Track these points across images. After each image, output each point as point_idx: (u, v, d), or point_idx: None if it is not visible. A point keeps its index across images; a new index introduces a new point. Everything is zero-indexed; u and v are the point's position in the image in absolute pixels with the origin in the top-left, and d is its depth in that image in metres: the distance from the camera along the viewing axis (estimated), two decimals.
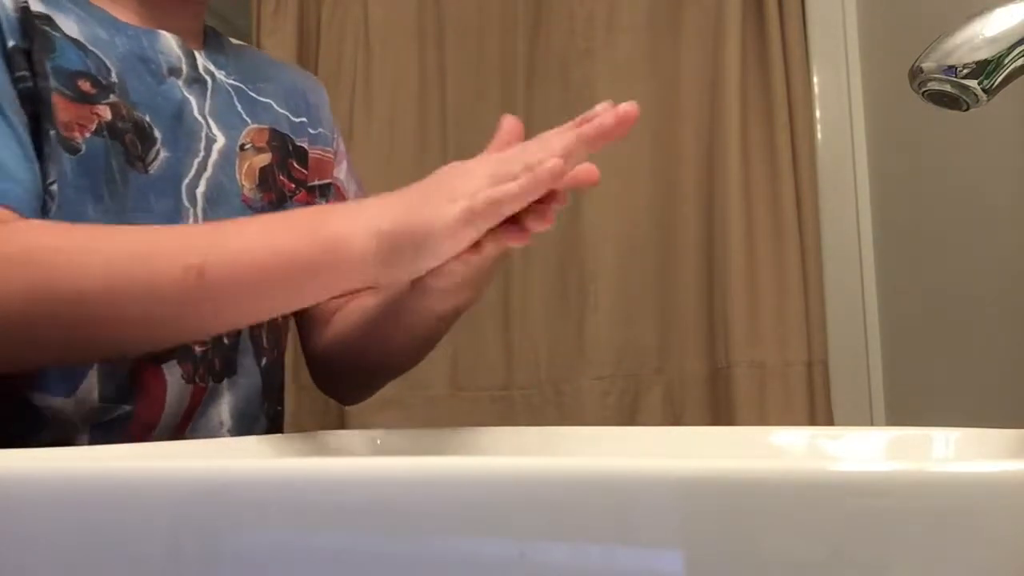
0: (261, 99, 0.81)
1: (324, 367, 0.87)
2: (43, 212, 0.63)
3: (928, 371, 1.24)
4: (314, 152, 0.84)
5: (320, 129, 0.86)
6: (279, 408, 0.81)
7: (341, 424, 1.51)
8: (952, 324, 1.15)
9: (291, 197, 0.80)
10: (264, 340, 0.77)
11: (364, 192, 0.91)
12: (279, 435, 0.64)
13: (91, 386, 0.65)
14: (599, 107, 0.57)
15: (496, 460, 0.30)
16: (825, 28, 1.47)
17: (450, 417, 1.51)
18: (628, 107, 0.56)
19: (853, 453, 0.56)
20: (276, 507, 0.30)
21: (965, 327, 1.11)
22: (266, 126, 0.79)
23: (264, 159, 0.78)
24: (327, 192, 0.86)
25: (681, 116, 1.50)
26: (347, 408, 1.52)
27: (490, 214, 0.54)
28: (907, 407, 1.32)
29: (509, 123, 0.63)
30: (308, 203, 0.82)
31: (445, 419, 1.50)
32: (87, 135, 0.65)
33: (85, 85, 0.66)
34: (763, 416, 1.36)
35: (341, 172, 0.88)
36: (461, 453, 0.63)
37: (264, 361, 0.77)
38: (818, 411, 1.37)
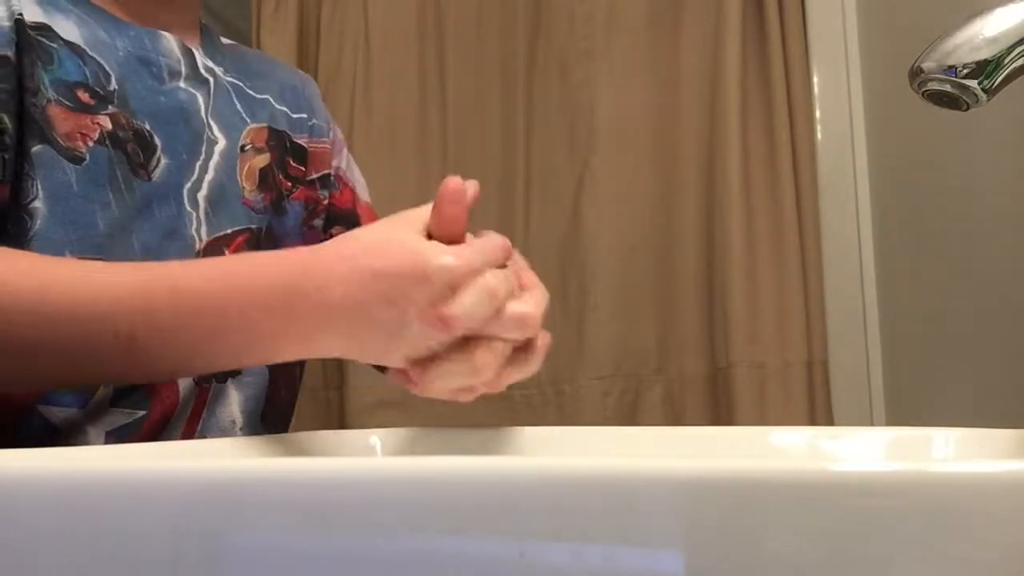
0: (259, 96, 0.80)
1: None
2: (16, 232, 0.61)
3: (928, 371, 1.24)
4: (312, 146, 0.84)
5: (315, 120, 0.86)
6: (290, 395, 0.79)
7: (341, 424, 1.51)
8: (952, 324, 1.15)
9: (288, 196, 0.80)
10: None
11: (365, 187, 0.90)
12: (279, 435, 0.64)
13: (105, 396, 0.65)
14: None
15: (496, 460, 0.30)
16: (825, 28, 1.47)
17: (450, 417, 1.51)
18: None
19: (853, 453, 0.56)
20: (276, 507, 0.30)
21: (965, 327, 1.11)
22: (264, 124, 0.79)
23: (263, 160, 0.78)
24: (327, 183, 0.85)
25: (681, 116, 1.50)
26: (347, 408, 1.52)
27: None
28: (907, 407, 1.32)
29: (452, 187, 0.54)
30: (307, 198, 0.82)
31: (445, 419, 1.50)
32: (90, 144, 0.65)
33: (84, 96, 0.66)
34: (763, 416, 1.36)
35: (342, 161, 0.88)
36: (461, 453, 0.63)
37: None
38: (818, 411, 1.37)
